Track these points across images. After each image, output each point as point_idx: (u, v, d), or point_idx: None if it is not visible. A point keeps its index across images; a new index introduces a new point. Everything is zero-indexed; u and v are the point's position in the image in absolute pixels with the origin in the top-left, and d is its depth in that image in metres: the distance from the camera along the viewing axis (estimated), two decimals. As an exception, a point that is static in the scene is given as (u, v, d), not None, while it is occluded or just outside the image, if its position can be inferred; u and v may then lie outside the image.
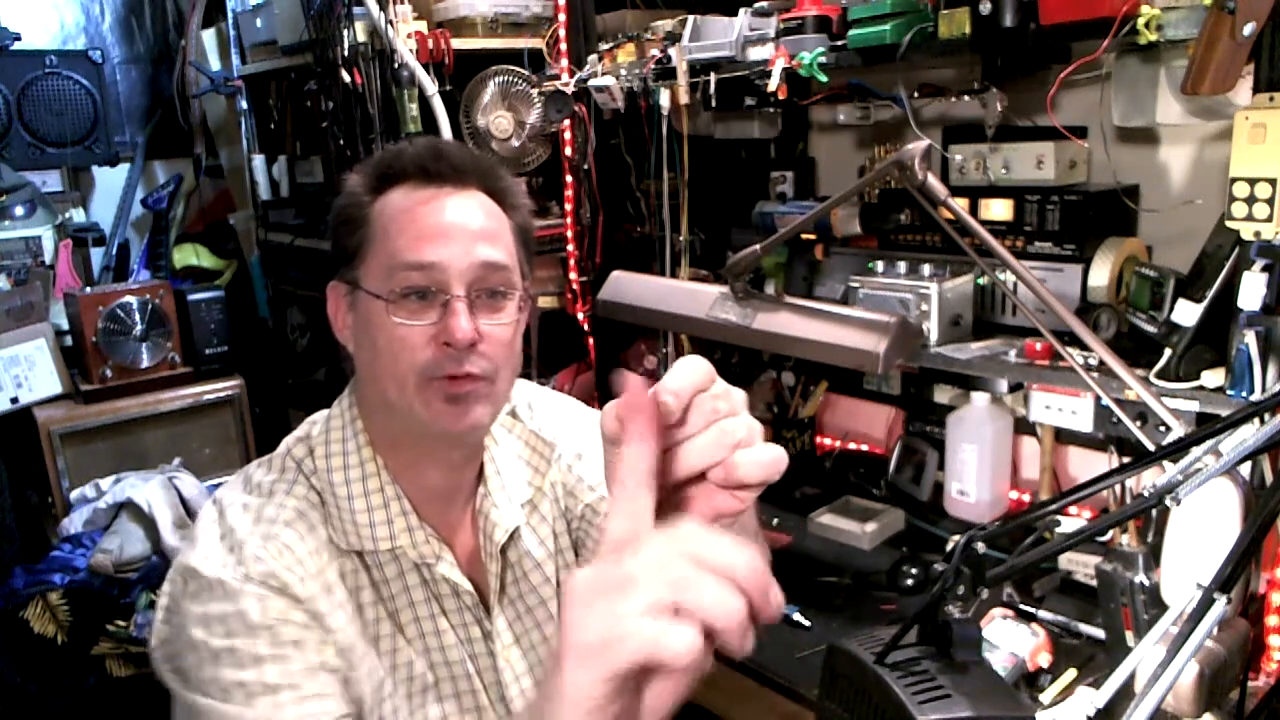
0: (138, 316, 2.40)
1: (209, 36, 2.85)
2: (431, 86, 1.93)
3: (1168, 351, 1.36)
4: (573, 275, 2.09)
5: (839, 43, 1.52)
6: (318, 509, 0.96)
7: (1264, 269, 1.23)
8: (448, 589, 1.00)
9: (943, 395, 2.07)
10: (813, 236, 1.94)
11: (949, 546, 1.40)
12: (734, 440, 0.60)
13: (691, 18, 1.72)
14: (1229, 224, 1.26)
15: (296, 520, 0.94)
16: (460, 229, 0.93)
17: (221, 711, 0.84)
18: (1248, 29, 1.13)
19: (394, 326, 0.92)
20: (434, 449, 0.99)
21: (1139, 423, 1.33)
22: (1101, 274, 1.59)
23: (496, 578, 1.05)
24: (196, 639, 0.86)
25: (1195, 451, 0.88)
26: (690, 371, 0.61)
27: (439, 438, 0.97)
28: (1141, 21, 1.22)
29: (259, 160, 2.73)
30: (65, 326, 2.49)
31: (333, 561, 0.94)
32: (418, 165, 0.95)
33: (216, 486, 2.31)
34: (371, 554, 0.97)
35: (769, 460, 0.60)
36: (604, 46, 1.91)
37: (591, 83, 1.89)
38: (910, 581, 1.68)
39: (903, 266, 1.72)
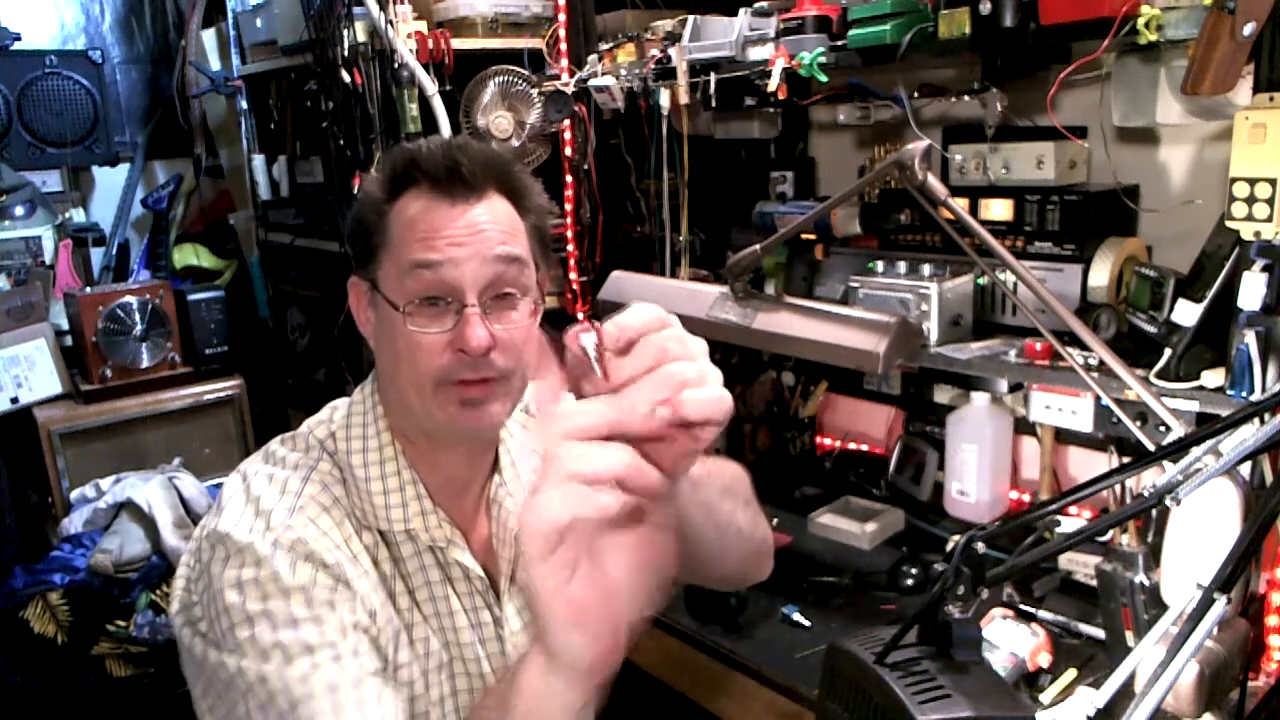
0: (138, 316, 2.40)
1: (209, 36, 2.85)
2: (431, 86, 1.93)
3: (1168, 351, 1.36)
4: (573, 275, 2.08)
5: (839, 43, 1.52)
6: (340, 484, 0.99)
7: (1264, 269, 1.23)
8: (460, 573, 1.03)
9: (943, 395, 2.07)
10: (813, 236, 1.94)
11: (949, 546, 1.41)
12: (679, 379, 0.64)
13: (691, 18, 1.72)
14: (1229, 224, 1.26)
15: (321, 493, 0.96)
16: (473, 238, 0.94)
17: (260, 671, 0.85)
18: (1248, 29, 1.13)
19: (410, 334, 0.94)
20: (449, 443, 1.02)
21: (1139, 423, 1.33)
22: (1101, 274, 1.59)
23: (509, 563, 1.06)
24: (231, 602, 0.87)
25: (1195, 451, 0.88)
26: (638, 314, 0.66)
27: (457, 436, 0.99)
28: (1141, 21, 1.22)
29: (259, 160, 2.73)
30: (65, 326, 2.49)
31: (355, 534, 0.97)
32: (433, 174, 0.96)
33: (216, 486, 2.31)
34: (389, 533, 1.00)
35: (709, 400, 0.65)
36: (604, 46, 1.91)
37: (591, 83, 1.89)
38: (910, 581, 1.68)
39: (903, 266, 1.72)
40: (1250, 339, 1.24)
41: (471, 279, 0.94)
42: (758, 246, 1.53)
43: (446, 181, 0.95)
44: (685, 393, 0.65)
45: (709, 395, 0.66)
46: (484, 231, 0.95)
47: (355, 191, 2.00)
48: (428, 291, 0.93)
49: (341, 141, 2.09)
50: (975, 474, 1.90)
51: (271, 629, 0.86)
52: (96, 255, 2.81)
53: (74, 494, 2.30)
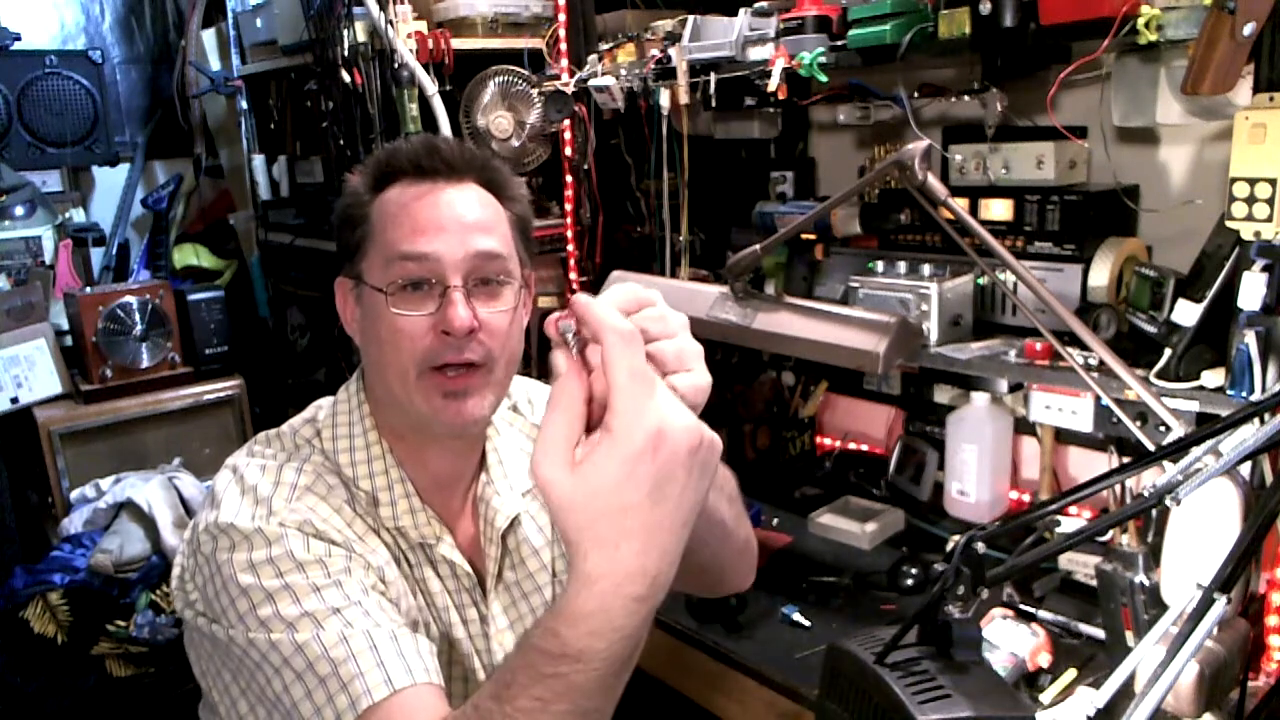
0: (138, 316, 2.40)
1: (209, 36, 2.85)
2: (431, 86, 1.93)
3: (1168, 351, 1.36)
4: (573, 275, 2.09)
5: (839, 43, 1.52)
6: (334, 474, 0.99)
7: (1264, 269, 1.23)
8: (448, 570, 1.03)
9: (943, 395, 2.07)
10: (813, 236, 1.94)
11: (949, 546, 1.41)
12: (658, 360, 0.67)
13: (691, 18, 1.72)
14: (1229, 224, 1.26)
15: (316, 482, 0.97)
16: (455, 220, 0.96)
17: (294, 639, 0.84)
18: (1248, 29, 1.13)
19: (394, 317, 0.94)
20: (436, 438, 1.02)
21: (1139, 423, 1.33)
22: (1101, 274, 1.59)
23: (495, 562, 1.07)
24: (248, 584, 0.86)
25: (1195, 451, 0.88)
26: (615, 295, 0.67)
27: (441, 430, 0.99)
28: (1141, 21, 1.22)
29: (259, 160, 2.73)
30: (65, 326, 2.49)
31: (357, 519, 0.97)
32: (413, 162, 0.98)
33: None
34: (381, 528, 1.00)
35: (689, 387, 0.68)
36: (604, 46, 1.91)
37: (591, 83, 1.89)
38: (910, 581, 1.68)
39: (903, 266, 1.72)
40: (1250, 339, 1.24)
41: (455, 262, 0.94)
42: (758, 246, 1.53)
43: (427, 166, 0.97)
44: (670, 378, 0.67)
45: (691, 382, 0.68)
46: (466, 216, 0.96)
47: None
48: (412, 275, 0.94)
49: (341, 141, 2.09)
50: (975, 474, 1.90)
51: (295, 601, 0.85)
52: (96, 255, 2.81)
53: (74, 494, 2.30)
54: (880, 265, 1.75)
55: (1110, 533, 1.34)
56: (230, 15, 2.68)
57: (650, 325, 0.68)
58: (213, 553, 0.90)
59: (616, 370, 0.61)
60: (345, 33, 1.96)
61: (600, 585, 0.62)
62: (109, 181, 2.91)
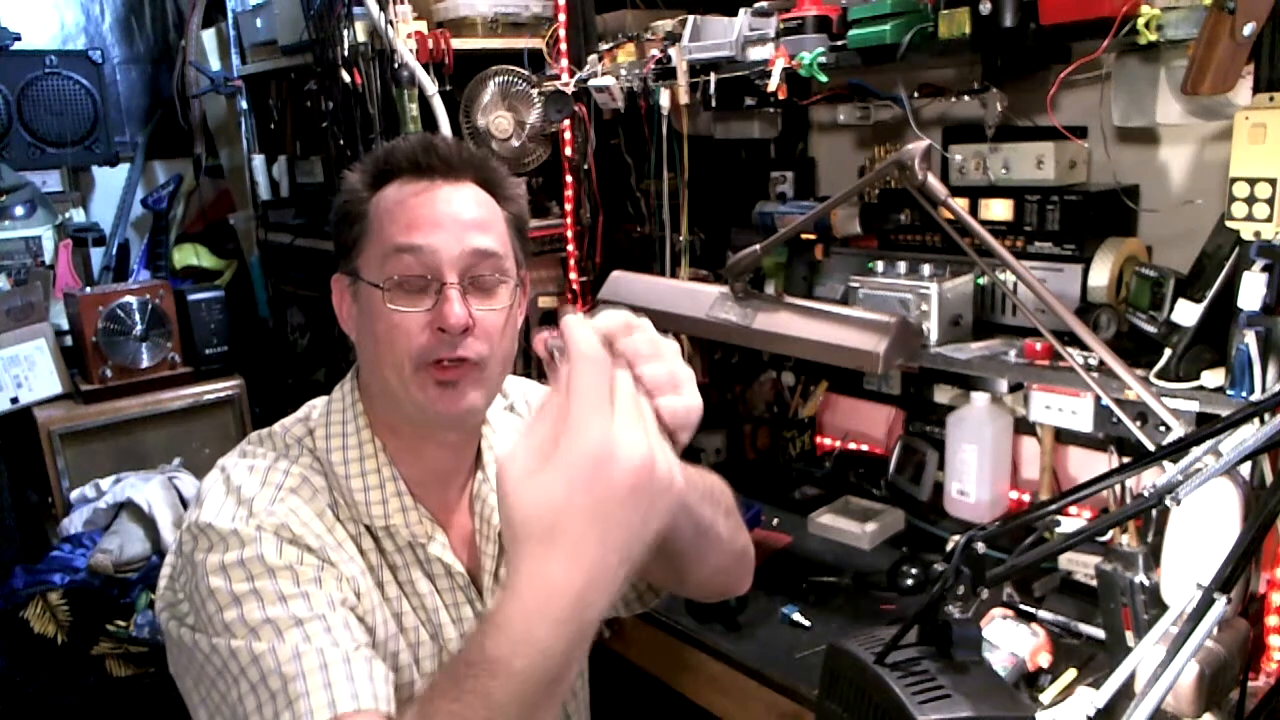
0: (138, 316, 2.40)
1: (209, 36, 2.85)
2: (431, 86, 1.93)
3: (1168, 351, 1.36)
4: (573, 275, 2.09)
5: (839, 43, 1.52)
6: (321, 476, 0.99)
7: (1264, 269, 1.23)
8: (441, 569, 1.03)
9: (943, 395, 2.07)
10: (813, 236, 1.94)
11: (949, 546, 1.41)
12: (650, 381, 0.67)
13: (691, 18, 1.72)
14: (1229, 224, 1.26)
15: (301, 485, 0.97)
16: (452, 218, 0.96)
17: (252, 649, 0.84)
18: (1248, 29, 1.13)
19: (390, 314, 0.95)
20: (432, 432, 1.02)
21: (1139, 423, 1.33)
22: (1101, 274, 1.59)
23: (492, 560, 1.06)
24: (216, 586, 0.87)
25: (1195, 451, 0.88)
26: (606, 319, 0.69)
27: (436, 422, 0.99)
28: (1141, 21, 1.22)
29: (259, 160, 2.73)
30: (65, 326, 2.49)
31: (338, 524, 0.97)
32: (411, 160, 0.98)
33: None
34: (372, 527, 1.00)
35: (682, 408, 0.68)
36: (604, 46, 1.91)
37: (591, 83, 1.89)
38: (910, 581, 1.68)
39: (903, 266, 1.72)
40: (1250, 339, 1.24)
41: (451, 260, 0.95)
42: (758, 246, 1.53)
43: (425, 164, 0.98)
44: (660, 399, 0.67)
45: (682, 403, 0.69)
46: (463, 214, 0.97)
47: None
48: (408, 271, 0.95)
49: (341, 141, 2.09)
50: (975, 474, 1.90)
51: (260, 607, 0.85)
52: (96, 255, 2.81)
53: (74, 494, 2.30)
54: (880, 265, 1.75)
55: (1110, 533, 1.34)
56: (230, 15, 2.69)
57: (641, 346, 0.69)
58: (191, 552, 0.90)
59: (574, 393, 0.63)
60: (345, 33, 1.97)
61: (524, 597, 0.63)
62: (109, 181, 2.91)
